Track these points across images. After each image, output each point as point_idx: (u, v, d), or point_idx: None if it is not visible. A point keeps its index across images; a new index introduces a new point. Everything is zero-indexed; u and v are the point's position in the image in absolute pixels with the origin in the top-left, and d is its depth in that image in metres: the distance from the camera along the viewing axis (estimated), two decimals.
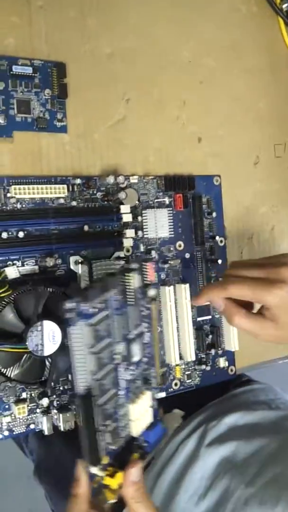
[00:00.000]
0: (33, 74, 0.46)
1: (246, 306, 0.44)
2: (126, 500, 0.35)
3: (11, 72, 0.45)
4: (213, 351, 0.56)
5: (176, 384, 0.54)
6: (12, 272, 0.44)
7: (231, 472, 0.47)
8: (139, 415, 0.39)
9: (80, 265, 0.47)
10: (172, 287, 0.52)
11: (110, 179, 0.49)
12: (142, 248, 0.51)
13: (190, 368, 0.55)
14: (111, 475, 0.35)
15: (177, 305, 0.52)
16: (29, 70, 0.46)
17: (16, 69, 0.45)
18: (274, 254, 0.46)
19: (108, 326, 0.36)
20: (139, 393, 0.40)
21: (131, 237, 0.50)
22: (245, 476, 0.45)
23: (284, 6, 0.65)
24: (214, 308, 0.47)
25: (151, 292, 0.42)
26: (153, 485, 0.51)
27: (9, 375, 0.43)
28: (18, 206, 0.45)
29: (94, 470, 0.35)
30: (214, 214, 0.57)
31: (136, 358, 0.40)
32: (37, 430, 0.46)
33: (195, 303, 0.46)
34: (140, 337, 0.41)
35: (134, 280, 0.39)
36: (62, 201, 0.47)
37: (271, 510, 0.41)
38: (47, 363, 0.44)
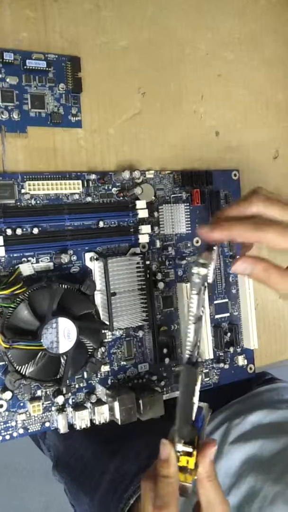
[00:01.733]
0: (47, 69, 0.45)
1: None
2: (200, 479, 0.34)
3: (25, 67, 0.44)
4: (231, 349, 0.54)
5: None
6: (26, 269, 0.44)
7: (257, 470, 0.46)
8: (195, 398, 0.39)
9: (95, 261, 0.46)
10: (189, 284, 0.50)
11: (126, 174, 0.48)
12: (158, 244, 0.50)
13: (208, 367, 0.54)
14: (189, 454, 0.35)
15: None
16: (43, 64, 0.45)
17: (30, 63, 0.44)
18: None
19: (201, 300, 0.36)
20: None
21: (147, 233, 0.49)
22: (271, 474, 0.45)
23: None
24: (236, 271, 0.38)
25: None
26: None
27: (24, 373, 0.42)
28: (33, 202, 0.44)
29: (180, 447, 0.35)
30: None
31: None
32: (52, 429, 0.45)
33: (208, 234, 0.36)
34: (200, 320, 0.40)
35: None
36: (77, 197, 0.46)
37: None
38: (62, 360, 0.43)
